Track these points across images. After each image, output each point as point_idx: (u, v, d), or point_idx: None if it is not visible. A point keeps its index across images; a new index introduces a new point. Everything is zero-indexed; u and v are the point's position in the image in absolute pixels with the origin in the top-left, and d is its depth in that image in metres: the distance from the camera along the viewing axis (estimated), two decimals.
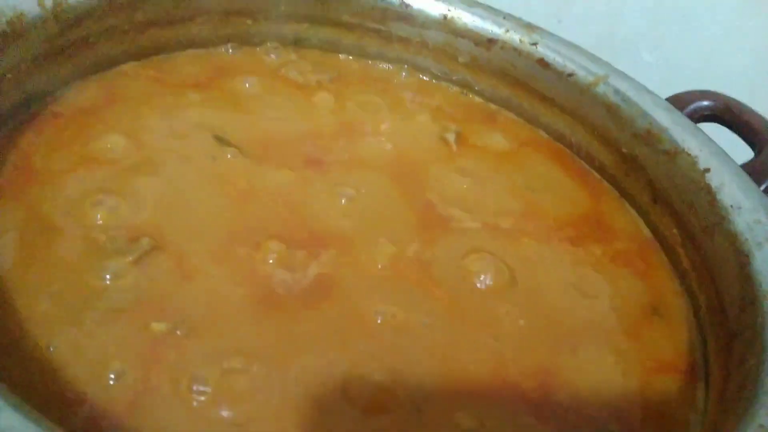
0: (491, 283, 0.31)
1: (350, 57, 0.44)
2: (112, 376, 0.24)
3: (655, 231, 0.37)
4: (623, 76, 0.39)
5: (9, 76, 0.31)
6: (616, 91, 0.38)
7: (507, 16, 0.42)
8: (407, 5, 0.42)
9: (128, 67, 0.38)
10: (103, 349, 0.24)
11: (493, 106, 0.44)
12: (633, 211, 0.38)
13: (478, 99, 0.44)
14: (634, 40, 0.61)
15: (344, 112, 0.40)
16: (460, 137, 0.40)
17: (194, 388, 0.24)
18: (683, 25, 0.59)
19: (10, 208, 0.28)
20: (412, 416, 0.25)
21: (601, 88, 0.39)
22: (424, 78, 0.44)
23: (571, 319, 0.31)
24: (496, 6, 0.43)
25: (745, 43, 0.58)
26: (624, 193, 0.39)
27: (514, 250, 0.33)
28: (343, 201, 0.34)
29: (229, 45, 0.42)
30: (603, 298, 0.33)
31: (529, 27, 0.42)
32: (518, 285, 0.31)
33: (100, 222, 0.29)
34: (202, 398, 0.24)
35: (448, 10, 0.42)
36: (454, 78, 0.44)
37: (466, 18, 0.42)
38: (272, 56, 0.42)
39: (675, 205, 0.35)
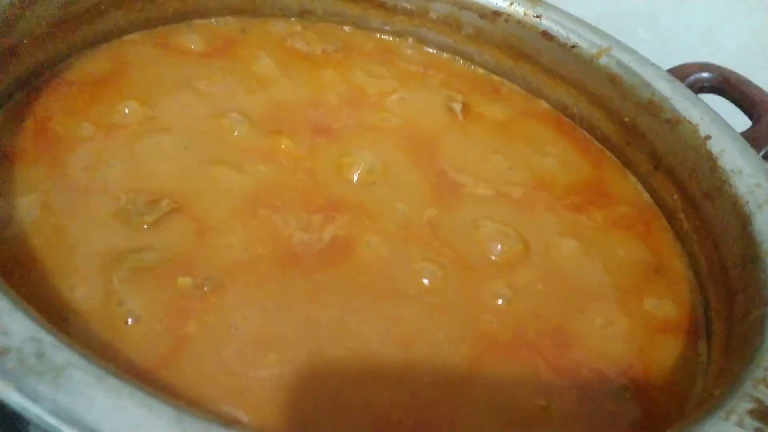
0: (505, 248, 0.32)
1: (355, 29, 0.45)
2: (141, 332, 0.24)
3: (655, 197, 0.38)
4: (625, 48, 0.40)
5: (25, 41, 0.31)
6: (619, 63, 0.39)
7: None
8: None
9: (137, 36, 0.39)
10: (131, 304, 0.25)
11: (496, 78, 0.44)
12: (633, 179, 0.40)
13: (481, 70, 0.45)
14: (631, 17, 0.61)
15: (350, 82, 0.41)
16: (465, 107, 0.41)
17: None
18: (679, 4, 0.59)
19: (33, 171, 0.28)
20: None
21: (603, 60, 0.40)
22: (429, 50, 0.45)
23: (578, 281, 0.32)
24: None
25: (740, 20, 0.59)
26: (625, 161, 0.40)
27: (525, 216, 0.34)
28: (354, 168, 0.34)
29: (234, 16, 0.42)
30: (607, 260, 0.34)
31: (533, 0, 0.42)
32: (530, 250, 0.32)
33: (120, 185, 0.29)
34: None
35: None
36: (458, 49, 0.45)
37: None
38: (277, 27, 0.43)
39: (676, 171, 0.36)
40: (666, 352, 0.30)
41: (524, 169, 0.38)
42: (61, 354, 0.16)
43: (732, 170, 0.33)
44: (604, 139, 0.41)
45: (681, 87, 0.38)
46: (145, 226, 0.28)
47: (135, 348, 0.24)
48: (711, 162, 0.34)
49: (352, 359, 0.26)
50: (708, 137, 0.35)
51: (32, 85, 0.33)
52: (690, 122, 0.36)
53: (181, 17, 0.40)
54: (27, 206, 0.27)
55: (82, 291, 0.25)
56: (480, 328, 0.28)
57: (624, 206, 0.37)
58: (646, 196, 0.38)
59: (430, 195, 0.34)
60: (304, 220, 0.31)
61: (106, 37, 0.37)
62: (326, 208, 0.32)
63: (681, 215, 0.36)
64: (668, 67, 0.41)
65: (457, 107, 0.40)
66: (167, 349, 0.24)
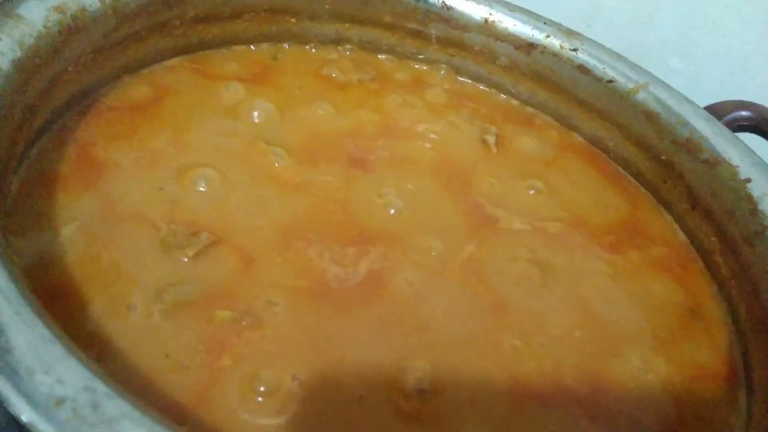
0: (542, 288, 0.31)
1: (390, 57, 0.45)
2: (178, 366, 0.24)
3: (692, 237, 0.37)
4: (663, 84, 0.40)
5: (70, 68, 0.31)
6: (656, 99, 0.39)
7: (548, 21, 0.42)
8: (449, 7, 0.43)
9: (175, 61, 0.39)
10: (170, 340, 0.25)
11: (530, 110, 0.44)
12: (669, 217, 0.39)
13: (515, 102, 0.45)
14: (663, 47, 0.61)
15: (385, 111, 0.41)
16: (499, 139, 0.40)
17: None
18: (713, 34, 0.59)
19: (75, 197, 0.29)
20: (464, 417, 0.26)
21: (641, 96, 0.39)
22: (463, 80, 0.45)
23: (614, 324, 0.32)
24: (528, 8, 0.44)
25: None
26: (660, 200, 0.40)
27: (562, 255, 0.34)
28: (389, 200, 0.34)
29: (272, 43, 0.42)
30: (643, 303, 0.33)
31: (570, 33, 0.42)
32: (567, 290, 0.32)
33: (160, 215, 0.29)
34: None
35: (490, 14, 0.43)
36: (492, 80, 0.45)
37: (507, 22, 0.43)
38: (314, 54, 0.43)
39: (714, 213, 0.36)
40: (702, 402, 0.30)
41: (559, 204, 0.38)
42: (114, 405, 0.16)
43: None
44: (639, 176, 0.41)
45: (720, 126, 0.37)
46: (186, 259, 0.28)
47: (172, 383, 0.24)
48: (751, 206, 0.33)
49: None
50: (748, 180, 0.34)
51: (75, 110, 0.33)
52: (730, 164, 0.35)
53: (220, 43, 0.40)
54: (69, 234, 0.27)
55: (121, 323, 0.25)
56: (516, 374, 0.28)
57: (660, 247, 0.37)
58: (682, 236, 0.38)
59: (466, 229, 0.34)
60: (338, 253, 0.31)
61: (146, 63, 0.37)
62: (359, 242, 0.32)
63: (718, 258, 0.35)
64: (700, 98, 0.40)
65: (491, 139, 0.40)
66: (203, 383, 0.24)
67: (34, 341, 0.17)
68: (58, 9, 0.30)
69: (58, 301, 0.25)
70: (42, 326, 0.17)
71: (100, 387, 0.16)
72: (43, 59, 0.29)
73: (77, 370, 0.17)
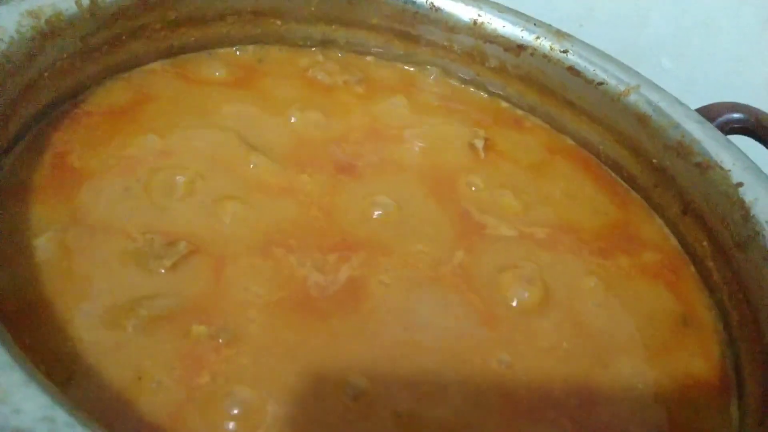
0: (528, 296, 0.31)
1: (377, 59, 0.44)
2: (152, 385, 0.24)
3: (683, 243, 0.37)
4: (654, 86, 0.39)
5: (46, 74, 0.31)
6: (648, 102, 0.38)
7: (538, 23, 0.42)
8: (437, 9, 0.42)
9: (157, 65, 0.38)
10: (144, 355, 0.24)
11: (519, 112, 0.44)
12: (660, 222, 0.38)
13: (504, 104, 0.44)
14: (656, 47, 0.61)
15: (372, 115, 0.40)
16: (488, 144, 0.40)
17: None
18: (706, 34, 0.58)
19: (49, 207, 0.28)
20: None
21: (632, 98, 0.39)
22: (451, 82, 0.44)
23: (604, 333, 0.31)
24: (519, 9, 0.43)
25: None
26: (652, 204, 0.39)
27: (550, 261, 0.33)
28: (375, 207, 0.33)
29: (256, 45, 0.42)
30: (634, 311, 0.33)
31: (560, 34, 0.41)
32: (554, 298, 0.31)
33: (136, 224, 0.29)
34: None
35: (479, 15, 0.42)
36: (481, 82, 0.44)
37: (496, 23, 0.42)
38: (299, 57, 0.42)
39: (706, 218, 0.35)
40: (694, 412, 0.29)
41: (548, 209, 0.37)
42: None
43: (766, 221, 0.32)
44: (630, 179, 0.40)
45: (712, 129, 0.37)
46: (162, 270, 0.27)
47: (146, 401, 0.23)
48: (743, 211, 0.33)
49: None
50: (740, 184, 0.33)
51: (51, 116, 0.32)
52: (721, 167, 0.35)
53: (202, 46, 0.40)
54: (42, 246, 0.27)
55: (93, 339, 0.24)
56: (504, 387, 0.27)
57: (651, 252, 0.36)
58: (674, 241, 0.37)
59: (453, 236, 0.33)
60: (320, 260, 0.30)
61: (126, 67, 0.36)
62: (342, 248, 0.31)
63: (710, 263, 0.34)
64: (692, 99, 0.40)
65: (479, 144, 0.39)
66: (178, 403, 0.24)
67: None
68: (31, 14, 0.29)
69: (27, 316, 0.24)
70: (0, 351, 0.17)
71: (61, 416, 0.16)
72: (15, 65, 0.28)
73: (37, 399, 0.16)
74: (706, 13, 0.59)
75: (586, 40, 0.42)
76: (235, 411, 0.24)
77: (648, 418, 0.28)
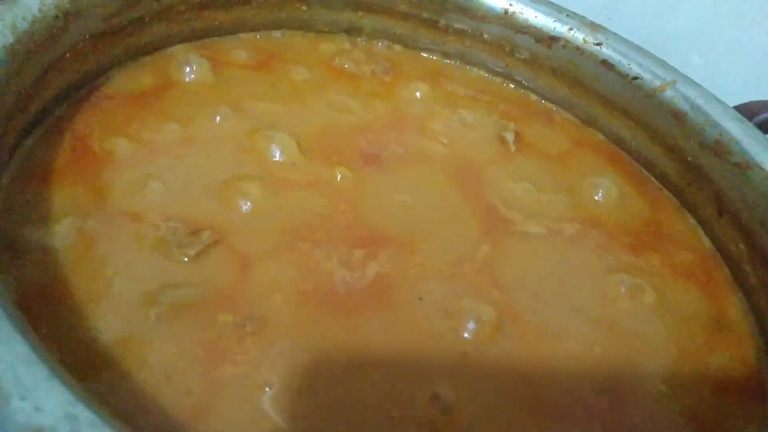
0: (556, 292, 0.30)
1: (404, 48, 0.43)
2: (176, 376, 0.23)
3: (717, 244, 0.36)
4: (691, 82, 0.38)
5: (68, 55, 0.30)
6: (684, 98, 0.37)
7: (571, 14, 0.40)
8: None
9: (180, 48, 0.37)
10: (167, 346, 0.23)
11: (549, 105, 0.42)
12: (693, 221, 0.37)
13: (534, 96, 0.43)
14: (685, 41, 0.59)
15: (399, 105, 0.39)
16: (518, 137, 0.39)
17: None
18: (737, 30, 0.57)
19: (69, 192, 0.27)
20: None
21: (668, 94, 0.38)
22: (480, 72, 0.43)
23: (635, 334, 0.30)
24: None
25: None
26: (685, 203, 0.38)
27: (579, 259, 0.32)
28: (402, 200, 0.32)
29: (282, 30, 0.41)
30: (665, 311, 0.32)
31: (594, 26, 0.40)
32: (584, 298, 0.30)
33: (159, 211, 0.28)
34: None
35: (510, 5, 0.41)
36: (510, 74, 0.43)
37: (528, 14, 0.41)
38: (325, 44, 0.41)
39: (743, 219, 0.34)
40: (728, 418, 0.28)
41: (577, 205, 0.36)
42: None
43: None
44: (662, 177, 0.39)
45: (751, 128, 0.35)
46: (186, 259, 0.26)
47: (170, 394, 0.22)
48: None
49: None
50: None
51: (71, 99, 0.31)
52: (762, 168, 0.33)
53: (227, 30, 0.39)
54: (62, 231, 0.26)
55: (115, 329, 0.23)
56: (534, 388, 0.26)
57: (683, 252, 0.35)
58: (707, 242, 0.36)
59: (478, 233, 0.32)
60: (346, 254, 0.29)
61: (147, 50, 0.35)
62: (369, 243, 0.30)
63: (747, 267, 0.33)
64: (725, 96, 0.38)
65: (510, 137, 0.38)
66: (202, 396, 0.23)
67: (11, 361, 0.15)
68: None
69: (46, 305, 0.23)
70: (22, 343, 0.16)
71: (84, 414, 0.15)
72: (37, 45, 0.27)
73: (59, 395, 0.15)
74: (736, 6, 0.57)
75: None
76: (263, 403, 0.23)
77: (678, 421, 0.27)
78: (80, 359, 0.22)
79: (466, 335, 0.27)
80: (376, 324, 0.27)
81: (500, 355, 0.27)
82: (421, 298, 0.28)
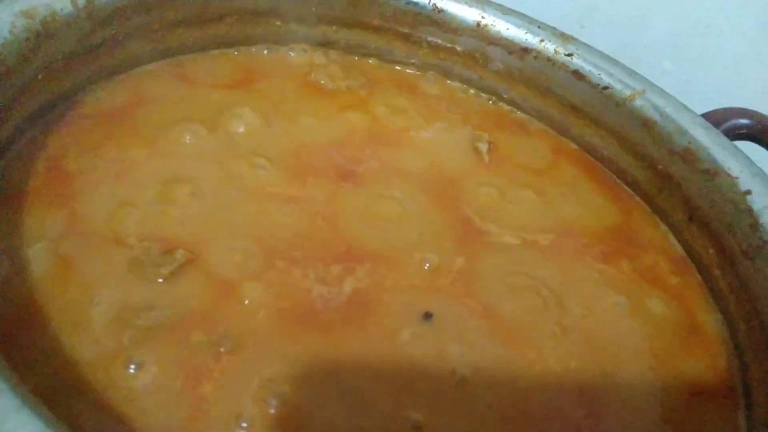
0: (532, 303, 0.30)
1: (378, 61, 0.43)
2: (152, 398, 0.23)
3: (688, 249, 0.36)
4: (660, 91, 0.38)
5: (40, 76, 0.30)
6: (654, 107, 0.38)
7: (542, 25, 0.41)
8: (440, 10, 0.42)
9: (154, 66, 0.37)
10: (142, 366, 0.24)
11: (523, 116, 0.43)
12: (665, 227, 0.38)
13: (507, 107, 0.43)
14: (656, 49, 0.60)
15: (375, 120, 0.39)
16: (491, 147, 0.39)
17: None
18: (706, 37, 0.58)
19: (44, 214, 0.27)
20: None
21: (637, 103, 0.38)
22: (453, 84, 0.44)
23: (608, 341, 0.30)
24: (519, 8, 0.42)
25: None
26: (656, 210, 0.38)
27: (553, 269, 0.32)
28: (378, 214, 0.33)
29: (256, 46, 0.41)
30: (638, 318, 0.32)
31: (564, 37, 0.41)
32: (558, 307, 0.31)
33: (133, 231, 0.28)
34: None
35: (482, 17, 0.41)
36: (483, 85, 0.43)
37: (500, 26, 0.41)
38: (300, 59, 0.41)
39: (712, 225, 0.35)
40: (701, 422, 0.29)
41: (552, 215, 0.36)
42: None
43: None
44: (634, 185, 0.39)
45: (719, 136, 0.36)
46: (160, 279, 0.26)
47: (146, 417, 0.22)
48: (751, 219, 0.32)
49: None
50: (748, 192, 0.33)
51: (45, 119, 0.31)
52: (729, 174, 0.34)
53: (202, 47, 0.39)
54: (36, 255, 0.26)
55: (92, 353, 0.23)
56: (512, 398, 0.27)
57: (655, 258, 0.36)
58: (679, 247, 0.37)
59: (454, 245, 0.33)
60: (323, 271, 0.29)
61: (122, 68, 0.35)
62: (346, 259, 0.30)
63: (717, 272, 0.34)
64: (694, 104, 0.39)
65: (484, 147, 0.39)
66: (179, 417, 0.23)
67: None
68: (26, 14, 0.28)
69: (19, 329, 0.23)
70: None
71: None
72: (8, 67, 0.27)
73: (30, 424, 0.15)
74: (707, 15, 0.58)
75: (586, 42, 0.41)
76: (243, 424, 0.23)
77: (655, 428, 0.28)
78: (56, 384, 0.22)
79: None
80: (353, 340, 0.27)
81: (476, 367, 0.27)
82: (397, 312, 0.29)
